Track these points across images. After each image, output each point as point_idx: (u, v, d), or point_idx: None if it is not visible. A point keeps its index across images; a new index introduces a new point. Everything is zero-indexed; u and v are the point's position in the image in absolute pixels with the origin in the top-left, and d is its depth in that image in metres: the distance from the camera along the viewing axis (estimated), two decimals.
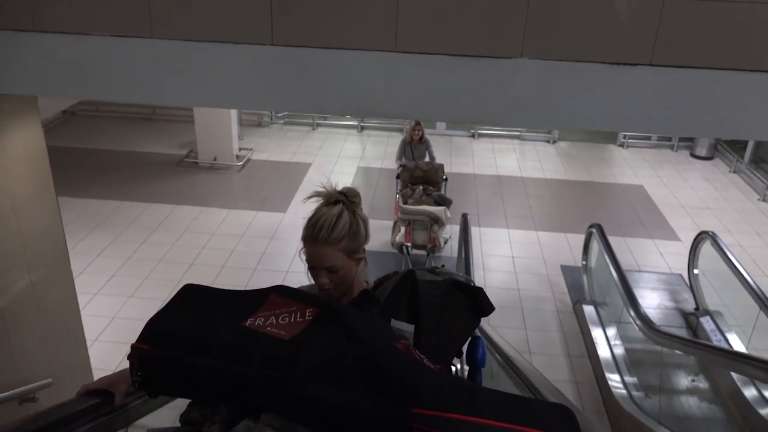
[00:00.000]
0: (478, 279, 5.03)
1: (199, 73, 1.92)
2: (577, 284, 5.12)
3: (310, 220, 1.38)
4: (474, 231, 5.44)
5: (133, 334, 1.02)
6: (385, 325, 1.17)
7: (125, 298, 4.63)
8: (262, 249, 5.60)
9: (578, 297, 4.91)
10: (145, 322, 0.99)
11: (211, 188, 6.91)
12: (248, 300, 1.07)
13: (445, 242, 5.32)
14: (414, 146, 6.05)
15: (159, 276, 5.06)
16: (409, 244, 5.20)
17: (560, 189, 7.34)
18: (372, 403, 0.87)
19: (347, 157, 8.06)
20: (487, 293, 1.42)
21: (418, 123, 6.08)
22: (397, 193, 5.70)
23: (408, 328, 1.22)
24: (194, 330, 0.98)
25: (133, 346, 0.96)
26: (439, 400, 0.86)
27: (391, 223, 5.81)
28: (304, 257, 1.37)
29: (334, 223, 1.37)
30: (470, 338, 1.41)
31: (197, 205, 6.43)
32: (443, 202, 5.43)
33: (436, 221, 5.19)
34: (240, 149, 7.75)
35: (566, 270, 5.42)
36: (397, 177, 5.69)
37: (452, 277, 1.36)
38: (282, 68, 1.89)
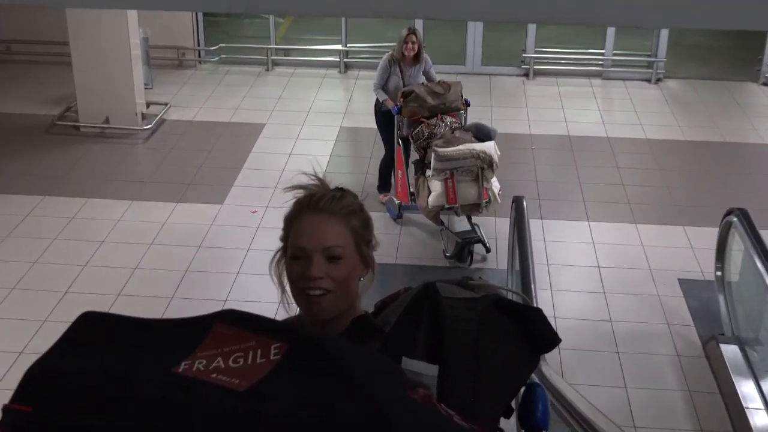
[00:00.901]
0: (543, 304, 4.75)
1: None
2: (708, 310, 5.13)
3: (302, 196, 1.52)
4: (533, 226, 5.26)
5: None
6: (394, 367, 1.22)
7: None
8: (183, 264, 5.55)
9: (712, 331, 4.93)
10: (25, 371, 1.02)
11: (100, 168, 6.89)
12: (181, 333, 1.13)
13: (499, 192, 5.55)
14: (405, 66, 5.95)
15: (7, 313, 4.99)
16: (455, 205, 5.38)
17: (672, 155, 7.37)
18: None
19: (323, 112, 8.11)
20: (555, 326, 1.48)
21: (412, 31, 6.03)
22: (397, 138, 5.85)
23: (428, 370, 1.30)
24: (100, 379, 1.00)
25: (5, 409, 0.98)
26: None
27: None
28: (281, 264, 1.52)
29: (341, 196, 1.50)
30: (524, 387, 1.48)
31: (77, 195, 6.39)
32: (486, 133, 5.59)
33: (490, 164, 5.36)
34: (148, 105, 7.76)
35: (688, 287, 5.41)
36: (398, 112, 5.78)
37: (494, 293, 1.44)
38: None
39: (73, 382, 1.00)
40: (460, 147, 5.33)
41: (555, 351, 2.37)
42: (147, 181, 6.79)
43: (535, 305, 1.70)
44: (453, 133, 5.54)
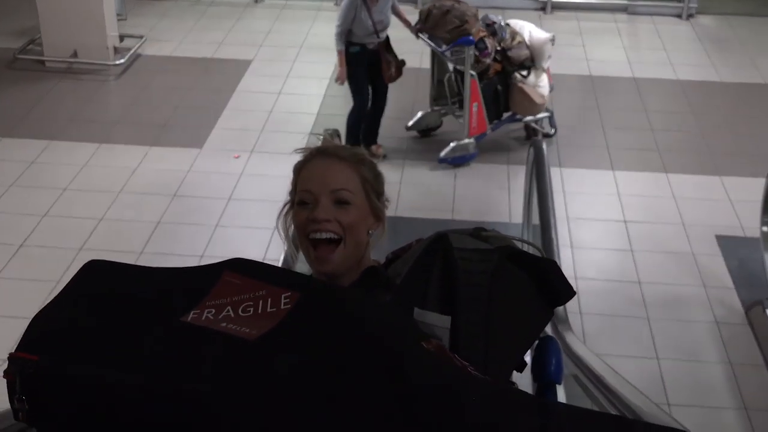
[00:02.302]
0: (562, 262, 4.43)
1: None
2: (750, 271, 4.85)
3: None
4: (552, 175, 4.84)
5: None
6: (406, 318, 1.28)
7: None
8: (155, 215, 5.16)
9: (755, 295, 4.66)
10: (30, 320, 1.05)
11: (66, 107, 6.56)
12: (189, 282, 1.17)
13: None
14: (371, 2, 5.45)
15: None
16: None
17: (706, 98, 7.06)
18: None
19: (317, 48, 7.68)
20: (576, 288, 1.55)
21: None
22: (468, 70, 5.71)
23: (440, 321, 1.32)
24: (106, 329, 1.04)
25: (11, 358, 1.01)
26: (496, 424, 0.94)
27: None
28: (288, 217, 1.59)
29: (352, 146, 1.71)
30: (538, 340, 1.57)
31: (39, 137, 6.06)
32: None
33: None
34: (121, 38, 7.43)
35: (727, 244, 5.13)
36: (473, 42, 5.63)
37: (508, 245, 1.48)
38: None
39: (79, 331, 1.03)
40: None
41: (577, 316, 2.54)
42: (117, 122, 6.38)
43: (544, 255, 1.65)
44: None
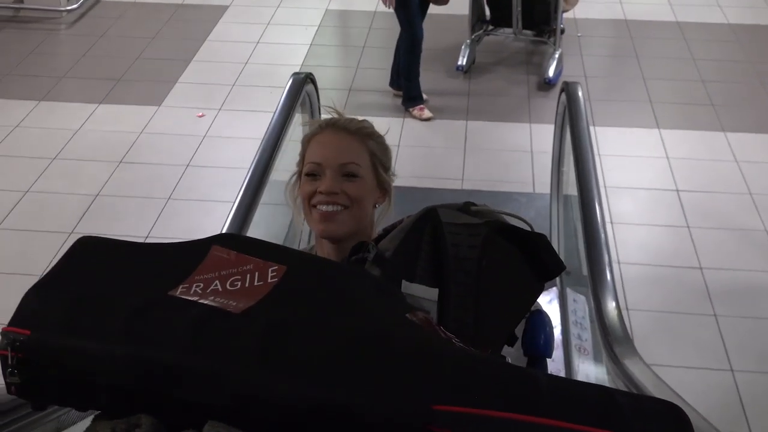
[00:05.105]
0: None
1: None
2: None
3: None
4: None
5: None
6: (393, 290, 1.31)
7: None
8: (94, 186, 4.39)
9: None
10: (23, 296, 1.07)
11: (7, 59, 5.85)
12: (178, 257, 1.19)
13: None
14: None
15: None
16: None
17: (764, 43, 6.34)
18: (371, 400, 0.96)
19: None
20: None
21: None
22: None
23: (428, 294, 1.37)
24: (96, 304, 1.08)
25: (3, 332, 1.06)
26: (475, 391, 0.97)
27: None
28: (296, 188, 1.69)
29: (361, 120, 1.71)
30: (528, 314, 1.64)
31: None
32: None
33: None
34: None
35: None
36: None
37: (497, 219, 1.52)
38: None
39: (70, 307, 1.07)
40: None
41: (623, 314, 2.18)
42: (63, 76, 5.59)
43: (533, 229, 1.55)
44: None
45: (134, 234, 3.87)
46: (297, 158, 1.72)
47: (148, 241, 3.84)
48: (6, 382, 1.05)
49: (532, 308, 1.61)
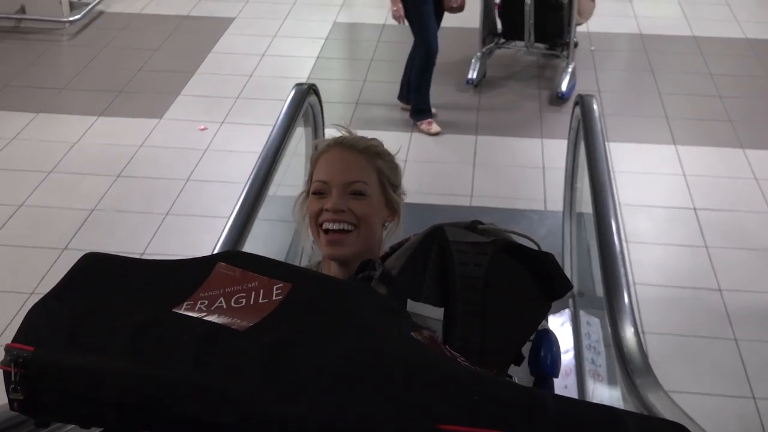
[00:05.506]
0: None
1: None
2: None
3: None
4: None
5: None
6: (398, 309, 1.30)
7: None
8: (90, 200, 4.31)
9: None
10: (27, 312, 1.08)
11: (7, 70, 5.83)
12: (184, 274, 1.20)
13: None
14: None
15: None
16: None
17: None
18: (376, 420, 0.96)
19: (313, 3, 7.01)
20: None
21: None
22: None
23: (433, 313, 1.37)
24: (101, 320, 1.08)
25: (7, 348, 1.06)
26: (481, 410, 0.98)
27: None
28: (305, 207, 1.70)
29: (371, 139, 1.73)
30: (534, 334, 1.60)
31: None
32: None
33: None
34: None
35: None
36: None
37: (504, 237, 1.51)
38: None
39: (74, 323, 1.07)
40: None
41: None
42: (63, 87, 5.54)
43: (540, 248, 1.51)
44: None
45: (130, 250, 3.78)
46: (301, 172, 1.71)
47: (145, 257, 3.76)
48: (9, 399, 1.06)
49: (539, 327, 1.63)
